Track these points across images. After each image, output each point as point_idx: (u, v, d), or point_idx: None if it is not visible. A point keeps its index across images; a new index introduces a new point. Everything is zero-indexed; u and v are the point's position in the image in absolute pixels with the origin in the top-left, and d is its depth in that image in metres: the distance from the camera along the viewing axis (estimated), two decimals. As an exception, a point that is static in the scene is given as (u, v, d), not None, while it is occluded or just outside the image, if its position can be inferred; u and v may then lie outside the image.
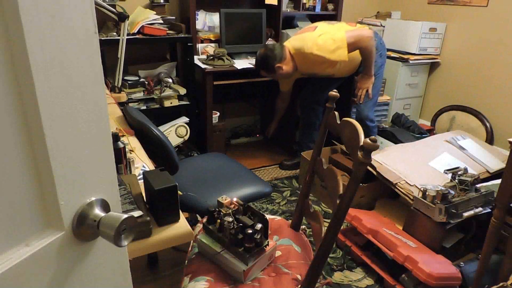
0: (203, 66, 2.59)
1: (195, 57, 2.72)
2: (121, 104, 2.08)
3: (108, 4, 2.03)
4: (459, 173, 1.96)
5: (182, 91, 2.63)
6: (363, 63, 2.43)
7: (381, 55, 2.50)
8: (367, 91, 2.49)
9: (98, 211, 0.53)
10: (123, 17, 1.98)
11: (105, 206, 0.55)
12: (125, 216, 0.50)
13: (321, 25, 2.38)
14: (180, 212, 1.03)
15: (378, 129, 3.01)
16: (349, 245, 1.96)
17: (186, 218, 1.37)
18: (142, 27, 2.45)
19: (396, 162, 2.20)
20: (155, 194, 0.96)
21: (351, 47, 2.27)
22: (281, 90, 2.80)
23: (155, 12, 2.56)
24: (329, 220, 0.96)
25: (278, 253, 1.23)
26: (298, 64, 2.40)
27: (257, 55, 2.42)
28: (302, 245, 1.30)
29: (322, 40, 2.24)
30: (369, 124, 2.57)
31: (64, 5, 0.44)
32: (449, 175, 1.98)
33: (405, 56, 3.22)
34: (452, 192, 1.81)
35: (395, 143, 2.79)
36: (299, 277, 1.13)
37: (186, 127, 2.67)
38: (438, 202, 1.75)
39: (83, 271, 0.54)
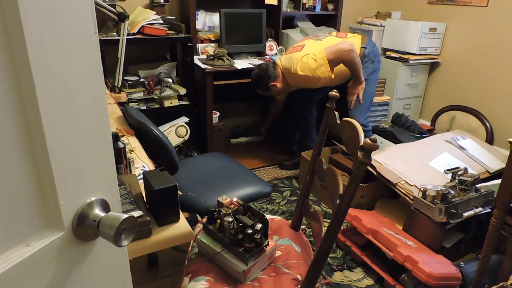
0: (203, 66, 2.59)
1: (195, 57, 2.72)
2: (121, 104, 2.08)
3: (108, 4, 2.03)
4: (459, 173, 1.96)
5: (182, 91, 2.63)
6: (351, 73, 2.46)
7: (373, 62, 2.52)
8: (358, 96, 2.51)
9: (98, 211, 0.53)
10: (123, 17, 1.98)
11: (105, 206, 0.55)
12: (125, 216, 0.50)
13: (308, 44, 2.43)
14: (180, 212, 1.03)
15: (378, 129, 3.01)
16: (349, 245, 1.96)
17: (186, 218, 1.37)
18: (142, 27, 2.45)
19: (396, 162, 2.20)
20: (155, 194, 0.96)
21: (333, 62, 2.34)
22: (276, 99, 2.88)
23: (155, 12, 2.56)
24: (329, 220, 0.96)
25: (278, 253, 1.23)
26: (289, 81, 2.49)
27: (252, 75, 2.51)
28: (302, 245, 1.30)
29: (304, 61, 2.32)
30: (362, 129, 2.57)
31: (64, 5, 0.44)
32: (449, 175, 1.98)
33: (405, 56, 3.22)
34: (452, 192, 1.81)
35: (395, 143, 2.79)
36: (299, 277, 1.13)
37: (186, 127, 2.67)
38: (438, 202, 1.75)
39: (83, 271, 0.54)
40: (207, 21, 2.94)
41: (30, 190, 0.46)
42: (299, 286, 1.08)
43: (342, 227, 1.57)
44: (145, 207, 1.01)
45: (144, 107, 2.56)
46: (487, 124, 3.04)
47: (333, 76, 2.38)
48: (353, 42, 2.38)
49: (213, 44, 2.90)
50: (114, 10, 2.00)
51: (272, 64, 2.47)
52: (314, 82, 2.40)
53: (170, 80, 2.68)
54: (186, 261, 1.23)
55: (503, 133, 2.96)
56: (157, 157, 1.53)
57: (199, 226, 1.31)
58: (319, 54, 2.33)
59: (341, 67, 2.40)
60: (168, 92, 2.62)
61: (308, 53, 2.34)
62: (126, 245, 0.52)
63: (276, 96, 2.82)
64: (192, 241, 1.29)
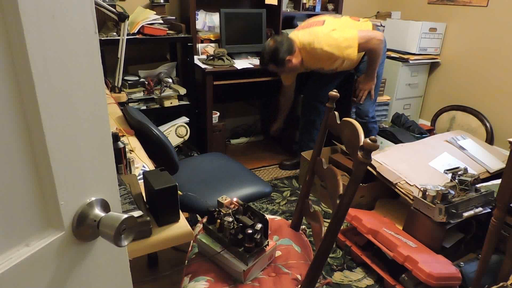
0: (203, 66, 2.59)
1: (195, 57, 2.72)
2: (121, 104, 2.08)
3: (108, 4, 2.03)
4: (459, 173, 1.96)
5: (182, 91, 2.63)
6: (367, 65, 2.42)
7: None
8: (369, 92, 2.50)
9: (98, 211, 0.53)
10: (123, 17, 1.98)
11: (105, 206, 0.55)
12: (125, 216, 0.50)
13: (328, 20, 2.33)
14: (180, 212, 1.03)
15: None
16: (349, 245, 1.96)
17: (186, 218, 1.37)
18: (142, 27, 2.45)
19: (396, 162, 2.20)
20: (155, 194, 0.96)
21: (361, 47, 2.26)
22: (283, 87, 2.75)
23: (155, 12, 2.56)
24: (329, 220, 0.96)
25: (278, 253, 1.23)
26: (304, 58, 2.36)
27: (266, 48, 2.34)
28: (302, 245, 1.30)
29: (334, 37, 2.21)
30: (370, 121, 2.58)
31: (64, 5, 0.44)
32: (449, 175, 1.98)
33: (405, 56, 3.22)
34: (452, 192, 1.80)
35: (395, 143, 2.79)
36: (299, 277, 1.13)
37: (186, 127, 2.67)
38: (438, 202, 1.75)
39: (83, 271, 0.54)
40: (207, 21, 2.94)
41: (30, 190, 0.46)
42: (299, 286, 1.08)
43: (342, 227, 1.57)
44: (145, 207, 1.01)
45: (144, 107, 2.56)
46: (487, 124, 3.04)
47: (355, 59, 2.30)
48: (367, 27, 2.33)
49: (213, 44, 2.90)
50: (114, 10, 2.00)
51: (287, 38, 2.33)
52: (331, 61, 2.30)
53: (170, 80, 2.68)
54: (186, 261, 1.23)
55: (503, 133, 2.96)
56: (157, 157, 1.53)
57: (199, 226, 1.31)
58: (351, 35, 2.22)
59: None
60: (168, 92, 2.62)
61: (335, 28, 2.23)
62: (126, 245, 0.52)
63: (284, 80, 2.69)
64: (192, 241, 1.29)
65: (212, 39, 2.92)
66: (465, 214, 1.78)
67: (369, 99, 2.54)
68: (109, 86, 2.23)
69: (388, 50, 3.42)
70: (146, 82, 2.58)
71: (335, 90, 1.24)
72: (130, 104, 2.46)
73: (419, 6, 3.47)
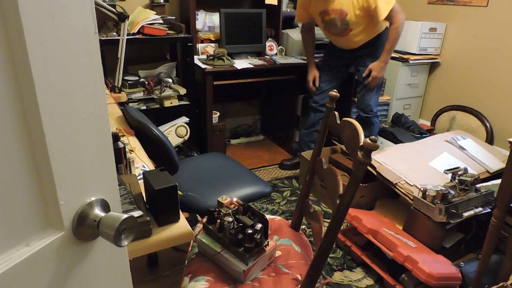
0: (203, 66, 2.59)
1: (195, 57, 2.72)
2: (121, 104, 2.08)
3: (108, 4, 2.03)
4: (459, 173, 1.96)
5: (182, 91, 2.63)
6: (386, 46, 2.41)
7: None
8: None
9: (98, 211, 0.53)
10: (123, 17, 1.98)
11: (105, 206, 0.55)
12: (125, 216, 0.50)
13: None
14: (180, 212, 1.03)
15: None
16: (349, 245, 1.96)
17: (186, 218, 1.37)
18: (142, 27, 2.45)
19: (396, 162, 2.20)
20: (155, 194, 0.96)
21: (390, 14, 2.29)
22: (303, 25, 2.70)
23: (155, 12, 2.56)
24: (329, 220, 0.96)
25: (278, 253, 1.23)
26: None
27: None
28: (302, 245, 1.30)
29: None
30: (373, 115, 2.59)
31: (64, 5, 0.44)
32: (449, 175, 1.98)
33: (405, 56, 3.22)
34: (452, 192, 1.80)
35: (395, 143, 2.79)
36: (299, 277, 1.13)
37: (186, 127, 2.67)
38: (438, 202, 1.75)
39: (83, 271, 0.54)
40: (207, 21, 2.94)
41: (30, 190, 0.46)
42: (299, 286, 1.08)
43: (342, 227, 1.57)
44: (145, 207, 1.01)
45: (144, 107, 2.56)
46: (487, 124, 3.03)
47: (381, 20, 2.30)
48: None
49: (213, 44, 2.90)
50: (114, 10, 2.00)
51: None
52: (359, 5, 2.26)
53: (170, 80, 2.68)
54: (186, 261, 1.23)
55: (503, 133, 2.96)
56: (157, 157, 1.53)
57: (199, 226, 1.31)
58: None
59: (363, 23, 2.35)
60: (168, 92, 2.62)
61: None
62: (126, 245, 0.52)
63: (296, 15, 2.65)
64: (192, 241, 1.29)
65: (212, 39, 2.92)
66: (465, 214, 1.78)
67: (373, 94, 2.56)
68: (109, 86, 2.23)
69: (388, 50, 3.43)
70: (146, 82, 2.58)
71: (335, 90, 1.24)
72: (130, 104, 2.46)
73: (419, 6, 3.47)
